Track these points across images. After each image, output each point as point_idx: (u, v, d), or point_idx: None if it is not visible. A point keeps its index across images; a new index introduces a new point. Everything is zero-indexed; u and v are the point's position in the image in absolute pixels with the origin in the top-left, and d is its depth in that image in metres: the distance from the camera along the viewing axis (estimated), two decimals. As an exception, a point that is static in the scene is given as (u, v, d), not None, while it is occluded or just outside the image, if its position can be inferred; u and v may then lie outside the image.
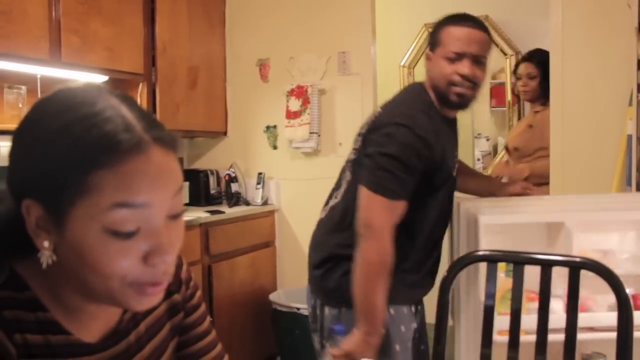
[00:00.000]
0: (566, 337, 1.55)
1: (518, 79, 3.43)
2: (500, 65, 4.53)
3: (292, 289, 3.80)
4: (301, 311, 3.40)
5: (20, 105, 2.91)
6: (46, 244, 0.75)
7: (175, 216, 0.78)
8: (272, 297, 3.65)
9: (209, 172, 3.93)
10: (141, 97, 3.41)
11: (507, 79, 4.48)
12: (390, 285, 1.77)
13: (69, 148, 0.71)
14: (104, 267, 0.73)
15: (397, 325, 1.89)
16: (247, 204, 3.86)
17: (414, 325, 1.96)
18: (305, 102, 3.66)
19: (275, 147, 3.94)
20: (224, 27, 4.07)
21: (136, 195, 0.72)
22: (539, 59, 3.36)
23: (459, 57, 1.79)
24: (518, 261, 1.64)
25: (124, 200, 0.72)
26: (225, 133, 4.11)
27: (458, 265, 1.67)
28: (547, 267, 1.60)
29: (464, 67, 1.79)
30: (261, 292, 3.74)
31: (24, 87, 2.93)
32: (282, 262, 3.96)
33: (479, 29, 1.82)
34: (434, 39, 1.88)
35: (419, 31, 4.60)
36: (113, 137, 0.71)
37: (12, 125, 2.59)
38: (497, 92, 4.63)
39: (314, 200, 3.68)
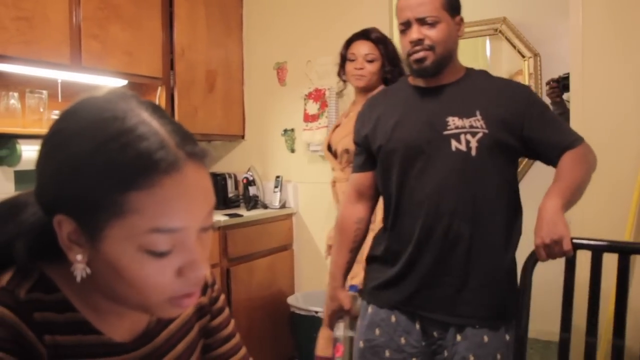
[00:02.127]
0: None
1: (351, 60, 2.79)
2: (518, 67, 4.50)
3: (310, 292, 3.80)
4: (319, 314, 3.40)
5: (42, 110, 2.94)
6: (79, 257, 0.75)
7: (205, 229, 0.79)
8: (290, 300, 3.65)
9: (227, 176, 3.94)
10: (160, 100, 3.43)
11: (525, 80, 4.44)
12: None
13: (104, 168, 0.70)
14: (141, 284, 0.75)
15: (369, 323, 1.92)
16: (265, 207, 3.87)
17: (406, 340, 1.86)
18: (323, 105, 3.66)
19: (292, 151, 3.94)
20: (241, 30, 4.09)
21: (173, 221, 0.73)
22: (378, 37, 2.81)
23: (406, 26, 1.80)
24: (597, 248, 1.64)
25: (162, 226, 0.72)
26: (242, 136, 4.12)
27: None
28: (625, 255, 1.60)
29: (412, 33, 1.78)
30: (279, 295, 3.74)
31: (45, 92, 2.96)
32: (299, 266, 3.96)
33: None
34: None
35: (436, 34, 4.59)
36: (149, 156, 0.71)
37: (34, 130, 2.63)
38: (514, 93, 4.58)
39: (332, 204, 3.71)
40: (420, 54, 1.78)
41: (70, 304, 0.81)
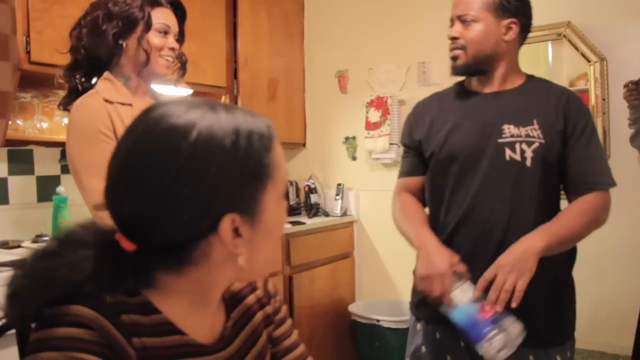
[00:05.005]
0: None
1: (160, 32, 1.82)
2: (581, 70, 4.38)
3: (372, 300, 3.79)
4: (381, 323, 3.39)
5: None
6: (243, 248, 0.83)
7: None
8: (352, 308, 3.65)
9: (289, 183, 3.97)
10: (224, 109, 3.49)
11: (591, 85, 4.32)
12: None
13: (249, 152, 0.81)
14: (281, 231, 0.90)
15: (415, 339, 1.88)
16: (327, 215, 3.88)
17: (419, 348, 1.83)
18: (385, 113, 3.65)
19: (354, 158, 3.95)
20: (302, 39, 4.13)
21: (286, 167, 0.89)
22: (183, 8, 1.93)
23: (451, 23, 1.80)
24: None
25: (286, 172, 0.89)
26: (304, 144, 4.15)
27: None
28: None
29: (451, 30, 1.78)
30: (340, 303, 3.74)
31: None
32: (360, 273, 3.96)
33: None
34: None
35: (498, 39, 4.52)
36: (267, 130, 0.85)
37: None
38: (576, 100, 4.44)
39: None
40: (454, 52, 1.78)
41: (153, 306, 0.84)
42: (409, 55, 3.71)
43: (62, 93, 2.80)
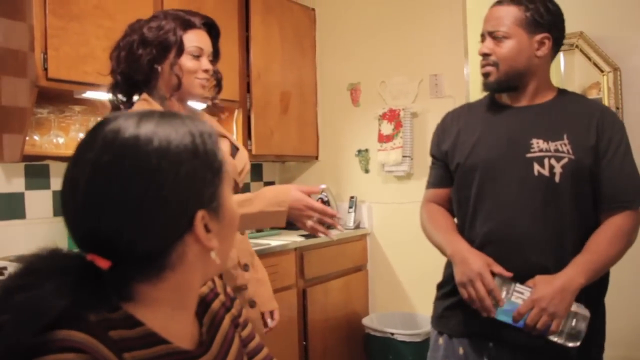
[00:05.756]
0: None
1: (194, 56, 1.86)
2: (593, 80, 4.36)
3: (385, 313, 3.78)
4: (395, 336, 3.37)
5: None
6: (215, 242, 0.87)
7: None
8: (365, 321, 3.64)
9: (301, 196, 3.97)
10: (237, 122, 3.51)
11: (604, 95, 4.31)
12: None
13: (205, 150, 0.86)
14: (238, 221, 0.96)
15: (437, 355, 1.86)
16: (340, 227, 3.86)
17: None
18: (398, 125, 3.65)
19: (367, 171, 3.94)
20: (314, 52, 4.15)
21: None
22: (217, 29, 2.01)
23: (482, 39, 1.78)
24: None
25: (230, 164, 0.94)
26: (316, 157, 4.16)
27: None
28: None
29: (482, 46, 1.76)
30: (354, 316, 3.73)
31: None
32: (374, 286, 3.94)
33: (505, 4, 1.73)
34: None
35: (510, 50, 4.52)
36: (212, 130, 0.90)
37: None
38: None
39: (406, 224, 3.68)
40: (485, 69, 1.76)
41: (135, 318, 0.83)
42: (421, 68, 3.71)
43: (78, 109, 2.83)
